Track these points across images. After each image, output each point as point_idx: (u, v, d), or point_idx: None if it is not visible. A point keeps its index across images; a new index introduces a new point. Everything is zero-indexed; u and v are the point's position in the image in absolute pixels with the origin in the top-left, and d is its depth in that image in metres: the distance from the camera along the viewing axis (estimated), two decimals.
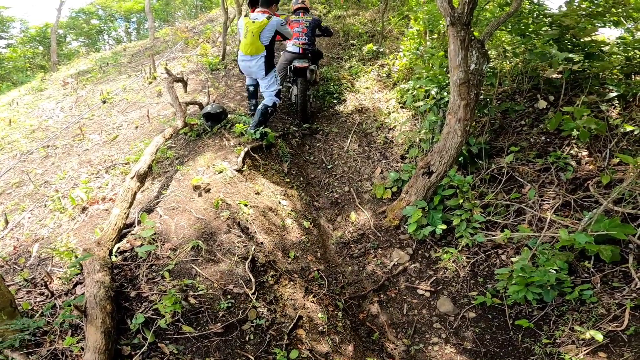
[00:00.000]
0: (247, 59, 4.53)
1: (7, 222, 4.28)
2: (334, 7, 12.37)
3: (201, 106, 5.62)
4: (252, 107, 5.12)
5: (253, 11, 4.51)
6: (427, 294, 3.65)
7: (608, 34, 4.82)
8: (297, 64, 5.19)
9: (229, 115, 5.39)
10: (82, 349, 2.35)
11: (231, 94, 6.52)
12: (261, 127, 4.78)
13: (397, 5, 10.21)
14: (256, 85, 4.96)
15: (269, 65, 4.56)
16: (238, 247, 3.30)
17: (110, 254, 3.08)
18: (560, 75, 4.65)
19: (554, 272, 2.98)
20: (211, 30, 10.40)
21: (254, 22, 4.36)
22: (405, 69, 6.72)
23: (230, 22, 8.64)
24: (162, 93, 7.07)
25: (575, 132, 3.75)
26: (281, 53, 5.79)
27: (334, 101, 6.92)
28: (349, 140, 5.95)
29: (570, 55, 3.97)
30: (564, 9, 4.35)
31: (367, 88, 7.25)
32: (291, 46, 5.44)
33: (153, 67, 8.25)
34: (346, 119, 6.47)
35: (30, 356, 2.37)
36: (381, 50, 8.47)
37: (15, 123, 7.66)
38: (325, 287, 3.63)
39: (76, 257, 3.15)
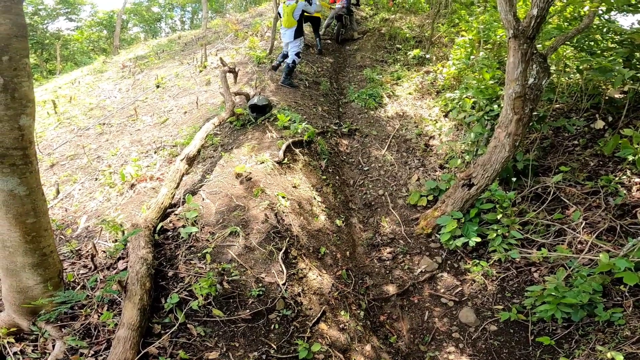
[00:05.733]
0: (285, 30, 6.57)
1: (58, 192, 4.54)
2: (382, 10, 12.30)
3: (247, 97, 5.81)
4: (280, 60, 7.09)
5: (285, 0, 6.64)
6: (451, 304, 3.62)
7: None
8: (340, 12, 9.81)
9: (272, 109, 5.55)
10: (116, 324, 2.38)
11: (275, 88, 6.69)
12: (289, 78, 6.79)
13: (448, 12, 10.00)
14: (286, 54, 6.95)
15: (297, 34, 6.54)
16: (273, 237, 3.41)
17: (155, 231, 3.19)
18: (623, 96, 4.40)
19: (588, 293, 2.93)
20: (260, 24, 10.66)
21: (288, 5, 6.36)
22: (452, 78, 6.59)
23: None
24: (210, 82, 7.37)
25: (631, 157, 3.55)
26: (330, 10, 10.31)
27: (375, 104, 6.90)
28: (388, 144, 5.93)
29: (638, 74, 3.74)
30: (637, 26, 4.10)
31: (409, 94, 7.17)
32: (338, 5, 9.75)
33: (204, 57, 8.59)
34: (386, 123, 6.44)
35: (63, 329, 2.43)
36: (427, 56, 8.33)
37: (75, 100, 8.25)
38: (350, 286, 3.67)
39: (123, 232, 3.29)
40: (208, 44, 10.33)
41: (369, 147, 5.97)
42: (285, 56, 6.88)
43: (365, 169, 5.60)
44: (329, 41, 10.34)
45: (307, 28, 10.69)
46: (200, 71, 8.22)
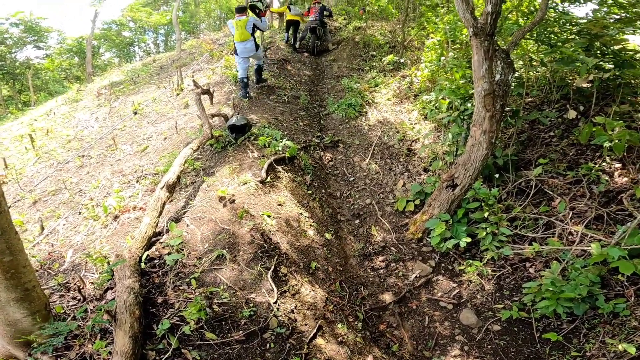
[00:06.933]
0: (243, 44, 6.66)
1: (42, 228, 4.48)
2: (354, 19, 12.54)
3: (226, 118, 5.78)
4: (247, 94, 7.00)
5: (235, 17, 6.82)
6: (450, 307, 3.60)
7: (639, 42, 4.67)
8: (312, 25, 10.23)
9: (252, 128, 5.53)
10: (110, 353, 2.42)
11: (254, 106, 6.69)
12: (261, 76, 7.50)
13: (417, 16, 10.24)
14: (247, 78, 7.01)
15: (256, 46, 6.78)
16: (261, 256, 3.37)
17: (140, 261, 3.19)
18: (590, 85, 4.53)
19: (586, 285, 2.91)
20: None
21: (240, 20, 6.57)
22: (427, 80, 6.70)
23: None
24: (189, 105, 7.33)
25: (607, 144, 3.63)
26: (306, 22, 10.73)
27: (355, 113, 6.95)
28: (371, 152, 5.96)
29: (601, 62, 3.86)
30: (591, 16, 4.24)
31: (388, 99, 7.25)
32: (311, 18, 10.31)
33: (180, 79, 8.56)
34: (368, 131, 6.49)
35: (59, 359, 2.45)
36: (402, 61, 8.47)
37: (53, 133, 8.09)
38: (345, 298, 3.63)
39: (109, 263, 3.28)
40: (183, 66, 10.32)
41: (353, 157, 5.98)
42: (246, 84, 6.91)
43: (351, 179, 5.60)
44: (305, 54, 10.48)
45: (280, 40, 10.83)
46: (178, 94, 8.17)
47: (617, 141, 3.49)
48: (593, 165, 3.89)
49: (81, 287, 3.10)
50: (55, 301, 3.03)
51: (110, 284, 3.09)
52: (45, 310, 2.61)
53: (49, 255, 3.91)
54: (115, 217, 4.22)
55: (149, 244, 3.42)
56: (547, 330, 3.06)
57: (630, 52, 4.08)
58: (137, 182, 5.03)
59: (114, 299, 2.83)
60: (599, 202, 3.64)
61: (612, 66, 4.07)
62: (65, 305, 2.98)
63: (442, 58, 6.26)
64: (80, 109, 9.61)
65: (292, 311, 3.04)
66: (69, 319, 2.80)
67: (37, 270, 3.57)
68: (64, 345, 2.56)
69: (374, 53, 9.65)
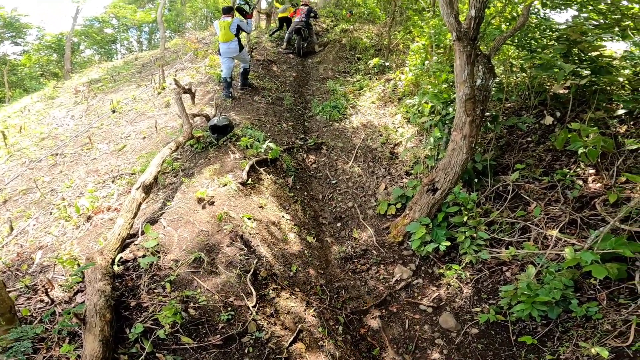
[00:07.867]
0: (226, 44, 6.60)
1: (12, 229, 4.32)
2: (341, 21, 12.59)
3: (208, 118, 5.68)
4: (230, 94, 6.91)
5: (221, 17, 6.83)
6: (430, 310, 3.62)
7: (616, 48, 4.80)
8: (298, 26, 10.25)
9: (235, 129, 5.44)
10: (79, 356, 2.35)
11: (237, 106, 6.60)
12: (247, 80, 7.34)
13: (403, 19, 10.36)
14: (231, 77, 6.93)
15: (240, 46, 6.71)
16: (240, 260, 3.30)
17: (113, 263, 3.09)
18: (567, 91, 4.64)
19: (560, 289, 2.96)
20: None
21: (224, 21, 6.55)
22: (411, 84, 6.76)
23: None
24: (170, 104, 7.18)
25: (582, 150, 3.71)
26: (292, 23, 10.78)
27: (340, 116, 6.95)
28: (354, 155, 5.96)
29: (578, 69, 3.94)
30: (571, 22, 4.34)
31: (372, 103, 7.28)
32: (296, 19, 10.33)
33: (162, 78, 8.38)
34: (352, 134, 6.49)
35: None
36: (387, 64, 8.53)
37: (26, 130, 7.80)
38: (326, 301, 3.60)
39: (79, 265, 3.17)
40: (166, 64, 10.12)
41: (336, 160, 5.97)
42: (230, 84, 6.86)
43: (334, 182, 5.58)
44: (291, 55, 10.44)
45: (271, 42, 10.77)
46: (159, 93, 7.99)
47: (591, 147, 3.58)
48: (568, 170, 3.98)
49: (49, 290, 2.98)
50: (22, 304, 2.93)
51: (80, 287, 3.00)
52: (10, 313, 2.52)
53: (17, 257, 3.77)
54: (88, 218, 4.08)
55: (123, 246, 3.31)
56: (523, 334, 3.11)
57: (607, 59, 4.19)
58: (113, 182, 4.88)
59: (83, 302, 2.72)
60: (573, 207, 3.72)
61: (588, 72, 4.17)
62: (32, 308, 2.87)
63: (426, 62, 6.33)
64: (56, 106, 9.29)
65: (272, 315, 2.99)
66: (36, 322, 2.71)
67: (4, 272, 3.44)
68: (30, 348, 2.46)
69: (360, 56, 9.70)
